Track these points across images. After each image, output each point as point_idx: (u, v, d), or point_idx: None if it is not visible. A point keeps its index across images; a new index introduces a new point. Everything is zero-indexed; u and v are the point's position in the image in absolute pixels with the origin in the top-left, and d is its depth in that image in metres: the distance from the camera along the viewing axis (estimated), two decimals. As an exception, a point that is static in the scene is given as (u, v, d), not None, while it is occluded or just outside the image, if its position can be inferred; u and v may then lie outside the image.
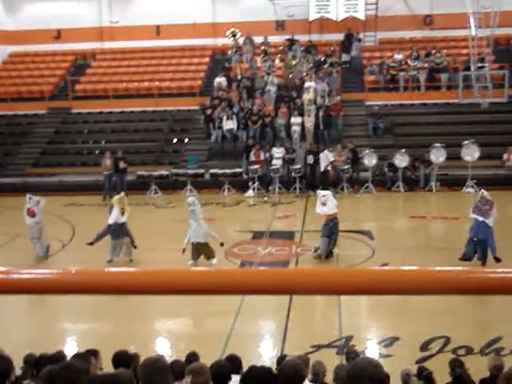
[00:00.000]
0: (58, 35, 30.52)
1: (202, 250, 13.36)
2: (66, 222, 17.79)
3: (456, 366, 6.36)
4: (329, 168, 21.05)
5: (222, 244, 13.57)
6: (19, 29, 30.31)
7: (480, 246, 12.67)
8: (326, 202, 13.34)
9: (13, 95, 27.99)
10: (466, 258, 12.56)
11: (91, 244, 13.84)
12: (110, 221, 13.74)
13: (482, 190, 13.36)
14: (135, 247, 13.98)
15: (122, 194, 14.51)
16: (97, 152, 24.32)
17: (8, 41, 30.43)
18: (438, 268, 2.22)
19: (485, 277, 2.15)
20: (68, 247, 15.38)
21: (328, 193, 14.00)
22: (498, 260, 12.48)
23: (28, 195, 14.69)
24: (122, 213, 13.70)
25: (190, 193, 21.41)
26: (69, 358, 5.67)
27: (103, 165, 21.72)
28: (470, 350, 8.84)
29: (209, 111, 24.20)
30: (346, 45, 27.78)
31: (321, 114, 23.25)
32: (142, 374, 3.41)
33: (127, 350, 5.77)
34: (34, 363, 5.51)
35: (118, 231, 13.75)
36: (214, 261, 13.31)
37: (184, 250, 13.10)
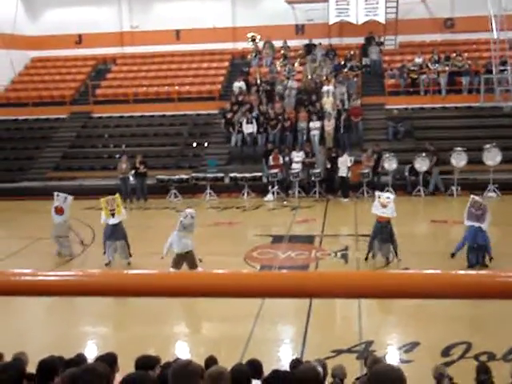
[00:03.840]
0: (79, 40, 30.83)
1: (187, 259, 12.41)
2: (87, 226, 17.90)
3: (481, 372, 6.26)
4: (348, 174, 21.00)
5: (200, 260, 12.63)
6: (41, 34, 30.66)
7: (479, 251, 12.74)
8: (388, 205, 13.25)
9: (34, 100, 28.26)
10: (470, 265, 12.68)
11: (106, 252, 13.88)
12: (101, 221, 13.82)
13: (472, 196, 13.30)
14: (130, 255, 13.86)
15: (117, 195, 14.32)
16: (117, 156, 24.46)
17: (30, 46, 30.77)
18: (460, 272, 2.20)
19: (509, 281, 2.11)
20: (89, 250, 15.48)
21: (392, 195, 13.94)
22: (490, 259, 12.75)
23: (56, 193, 14.91)
24: (112, 214, 13.60)
25: (209, 196, 21.45)
26: (90, 361, 5.70)
27: (119, 168, 21.87)
28: (492, 356, 8.73)
29: (229, 115, 24.26)
30: (367, 48, 27.69)
31: (342, 117, 23.24)
32: (172, 377, 3.39)
33: (151, 355, 5.75)
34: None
35: (111, 232, 13.71)
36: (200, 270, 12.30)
37: (162, 258, 12.39)
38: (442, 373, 6.17)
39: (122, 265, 13.78)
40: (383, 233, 13.27)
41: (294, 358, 7.47)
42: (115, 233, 13.75)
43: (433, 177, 21.16)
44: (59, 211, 14.67)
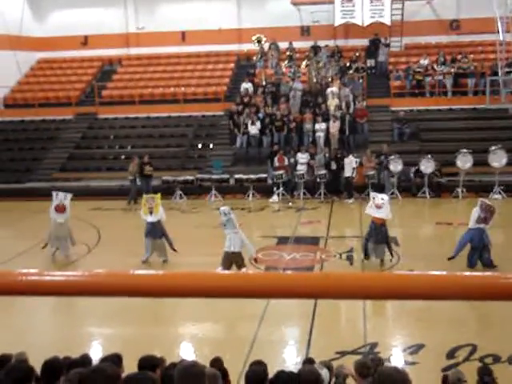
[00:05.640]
0: (84, 41, 30.93)
1: (234, 260, 12.41)
2: (92, 227, 17.94)
3: (484, 374, 6.23)
4: (354, 174, 20.99)
5: (255, 260, 12.67)
6: (47, 35, 30.78)
7: (484, 251, 12.71)
8: (383, 206, 13.18)
9: (40, 101, 28.38)
10: (471, 266, 12.72)
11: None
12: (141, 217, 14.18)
13: (481, 199, 13.23)
14: (175, 250, 14.13)
15: (158, 194, 14.56)
16: (123, 157, 24.54)
17: (36, 47, 30.87)
18: (466, 273, 2.20)
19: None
20: (94, 251, 15.51)
21: (386, 197, 13.83)
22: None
23: (54, 192, 14.92)
24: (150, 212, 13.84)
25: (214, 198, 21.49)
26: (95, 361, 5.70)
27: (130, 169, 21.90)
28: (497, 359, 8.70)
29: (235, 116, 24.27)
30: (372, 50, 27.68)
31: (346, 119, 23.22)
32: (177, 378, 3.41)
33: (153, 355, 5.75)
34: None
35: (149, 230, 13.95)
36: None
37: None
38: (461, 378, 6.13)
39: (158, 263, 13.96)
40: (378, 234, 13.22)
41: (306, 357, 7.48)
42: (153, 231, 13.99)
43: (385, 180, 21.37)
44: (61, 209, 14.65)
